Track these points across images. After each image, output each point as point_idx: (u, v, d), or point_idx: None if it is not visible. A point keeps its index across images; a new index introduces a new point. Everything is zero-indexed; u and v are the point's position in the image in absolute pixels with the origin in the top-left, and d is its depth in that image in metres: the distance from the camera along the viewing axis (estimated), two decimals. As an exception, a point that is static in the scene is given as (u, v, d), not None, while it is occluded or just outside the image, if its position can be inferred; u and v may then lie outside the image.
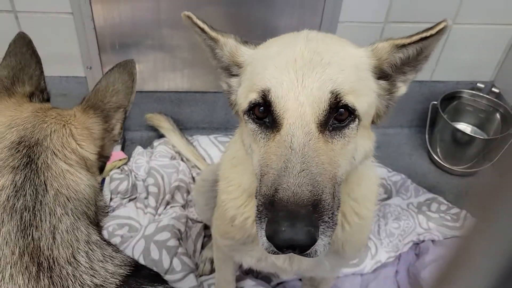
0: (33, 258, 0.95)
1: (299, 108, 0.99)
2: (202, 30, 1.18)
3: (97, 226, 1.11)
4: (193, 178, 2.51)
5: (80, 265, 0.99)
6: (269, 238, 0.92)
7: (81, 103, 1.19)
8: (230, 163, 1.41)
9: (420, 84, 2.84)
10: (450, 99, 2.84)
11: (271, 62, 1.06)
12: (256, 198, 1.06)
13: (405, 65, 1.17)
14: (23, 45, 1.24)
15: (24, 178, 1.00)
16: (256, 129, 1.07)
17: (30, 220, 0.97)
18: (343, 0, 2.39)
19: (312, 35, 1.12)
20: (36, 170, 1.02)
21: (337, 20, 2.45)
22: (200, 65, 2.55)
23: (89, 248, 1.02)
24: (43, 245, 0.97)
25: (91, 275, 0.99)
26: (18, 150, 1.03)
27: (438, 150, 2.80)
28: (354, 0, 2.40)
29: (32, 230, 0.97)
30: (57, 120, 1.11)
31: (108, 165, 2.44)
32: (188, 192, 2.43)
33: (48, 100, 1.26)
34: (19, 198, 0.98)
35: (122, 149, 2.65)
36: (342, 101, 1.02)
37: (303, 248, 0.92)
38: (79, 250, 1.00)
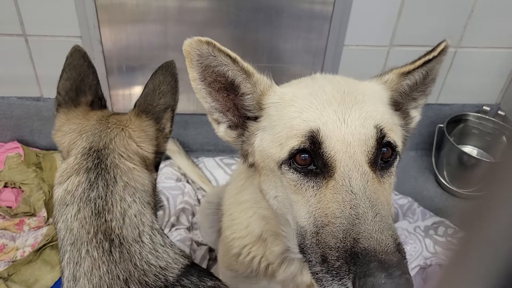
0: (105, 235, 1.08)
1: (348, 148, 0.93)
2: (234, 60, 1.03)
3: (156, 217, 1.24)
4: (199, 200, 2.50)
5: (145, 245, 1.11)
6: None
7: (134, 108, 1.30)
8: (234, 199, 1.34)
9: (426, 107, 2.80)
10: (456, 122, 2.84)
11: (307, 103, 0.99)
12: (304, 251, 0.98)
13: (414, 90, 1.16)
14: (79, 57, 1.33)
15: (97, 175, 1.14)
16: (301, 178, 0.97)
17: (103, 205, 1.11)
18: (349, 23, 2.41)
19: (330, 77, 1.09)
20: (106, 168, 1.16)
21: (342, 44, 2.47)
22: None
23: (152, 233, 1.14)
24: (114, 225, 1.10)
25: (155, 256, 1.11)
26: (90, 155, 1.17)
27: (444, 173, 2.79)
28: (359, 23, 2.42)
29: (105, 213, 1.10)
30: (117, 125, 1.24)
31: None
32: (193, 214, 2.42)
33: (105, 106, 1.39)
34: (93, 190, 1.12)
35: (128, 170, 2.65)
36: (386, 138, 0.97)
37: None
38: (144, 232, 1.12)
